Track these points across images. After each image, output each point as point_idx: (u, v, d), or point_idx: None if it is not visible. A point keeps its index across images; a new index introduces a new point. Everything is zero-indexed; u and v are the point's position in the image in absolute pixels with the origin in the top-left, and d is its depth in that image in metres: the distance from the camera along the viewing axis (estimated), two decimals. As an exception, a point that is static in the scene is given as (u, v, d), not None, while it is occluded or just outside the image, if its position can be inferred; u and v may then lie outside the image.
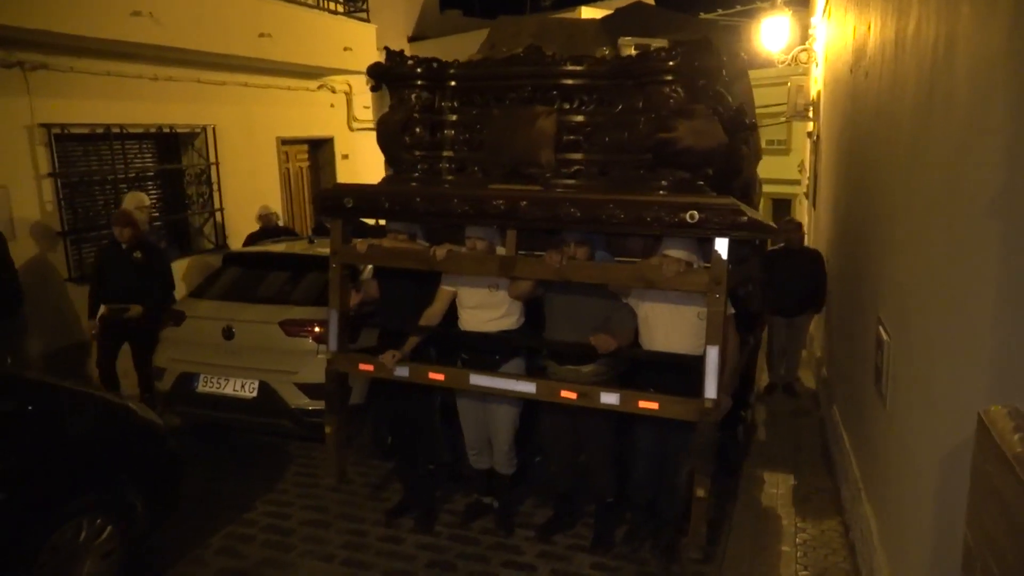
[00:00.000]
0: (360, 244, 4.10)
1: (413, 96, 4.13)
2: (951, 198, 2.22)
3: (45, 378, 3.60)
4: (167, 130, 7.92)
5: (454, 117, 4.19)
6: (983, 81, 1.91)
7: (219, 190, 8.53)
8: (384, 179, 4.38)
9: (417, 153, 4.17)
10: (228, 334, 5.26)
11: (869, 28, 4.26)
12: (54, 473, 3.25)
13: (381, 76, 4.21)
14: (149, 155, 8.01)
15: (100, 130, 7.06)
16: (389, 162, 4.36)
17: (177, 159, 8.38)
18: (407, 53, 4.23)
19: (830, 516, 4.44)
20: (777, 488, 4.96)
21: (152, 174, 8.03)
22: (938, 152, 2.42)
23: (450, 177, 4.19)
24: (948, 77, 2.30)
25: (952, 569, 1.77)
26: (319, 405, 4.65)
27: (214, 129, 8.40)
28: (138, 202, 6.64)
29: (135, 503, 3.58)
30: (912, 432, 2.64)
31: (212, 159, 8.43)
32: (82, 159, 7.09)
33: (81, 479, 3.37)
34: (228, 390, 5.25)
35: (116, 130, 7.22)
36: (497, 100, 4.06)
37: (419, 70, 4.09)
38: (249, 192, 8.79)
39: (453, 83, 4.16)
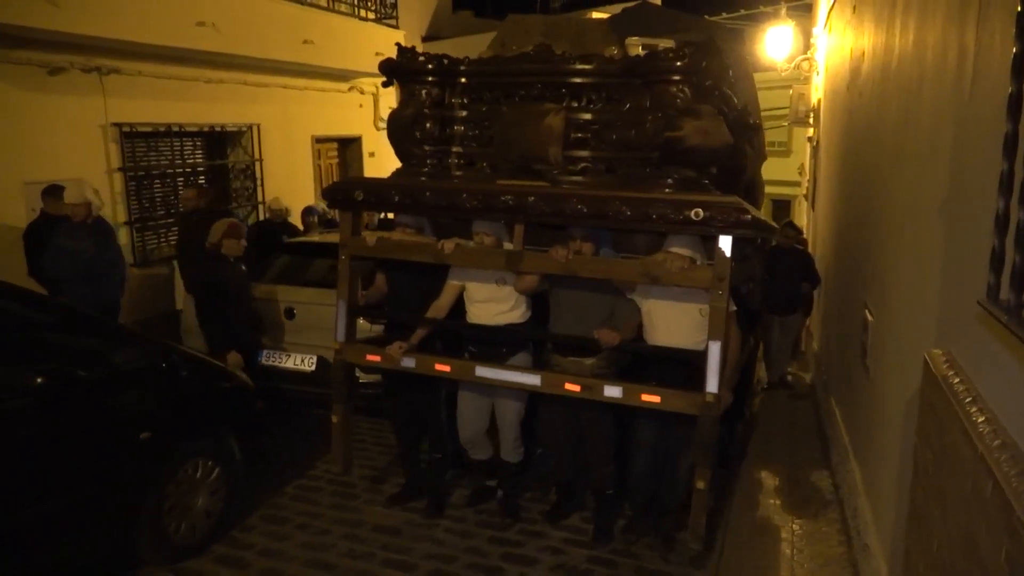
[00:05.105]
0: (369, 236, 4.11)
1: (423, 92, 4.15)
2: (917, 202, 2.88)
3: (166, 341, 4.23)
4: (218, 128, 8.59)
5: (464, 113, 4.20)
6: (938, 116, 2.56)
7: (262, 185, 9.20)
8: (394, 173, 4.39)
9: (427, 148, 4.18)
10: (290, 314, 5.91)
11: (863, 55, 4.91)
12: (180, 419, 3.91)
13: (392, 72, 4.22)
14: (200, 152, 8.69)
15: (162, 128, 7.75)
16: (399, 156, 4.39)
17: (223, 155, 9.05)
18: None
19: (822, 478, 5.08)
20: (774, 457, 5.57)
21: (203, 169, 8.71)
22: (910, 165, 3.08)
23: (459, 172, 4.20)
24: (918, 108, 2.95)
25: (909, 476, 2.43)
26: (371, 378, 5.05)
27: (258, 128, 9.07)
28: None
29: (234, 450, 4.24)
30: (888, 390, 3.30)
31: (256, 156, 9.11)
32: (144, 155, 7.76)
33: (198, 426, 4.03)
34: (289, 364, 5.91)
35: (175, 128, 7.89)
36: (506, 97, 4.07)
37: (430, 66, 4.11)
38: (287, 187, 9.46)
39: (463, 80, 4.17)
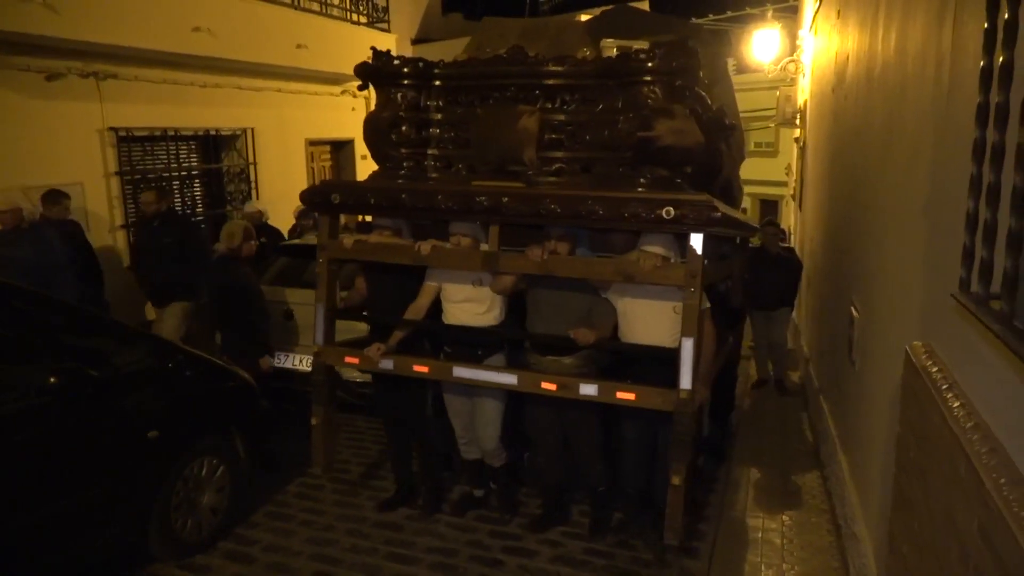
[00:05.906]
0: (347, 239, 4.15)
1: (399, 95, 4.15)
2: (901, 203, 3.01)
3: (173, 342, 4.32)
4: (213, 133, 8.67)
5: (439, 116, 4.21)
6: (920, 121, 2.69)
7: (256, 188, 9.27)
8: (371, 176, 4.38)
9: (403, 151, 4.19)
10: (289, 316, 6.01)
11: (848, 58, 5.05)
12: (187, 417, 4.00)
13: (367, 75, 4.21)
14: (195, 156, 8.76)
15: (157, 133, 7.82)
16: (376, 159, 4.38)
17: (218, 159, 9.12)
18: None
19: (811, 470, 5.24)
20: (765, 452, 5.72)
21: (197, 173, 8.78)
22: (894, 168, 3.22)
23: (435, 174, 4.21)
24: (901, 112, 3.09)
25: (894, 464, 2.55)
26: (367, 378, 5.12)
27: (253, 131, 9.15)
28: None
29: (239, 449, 4.33)
30: (873, 383, 3.44)
31: (251, 159, 9.18)
32: (140, 159, 7.83)
33: (204, 425, 4.12)
34: (288, 364, 6.01)
35: (171, 133, 7.97)
36: (482, 99, 4.09)
37: (405, 69, 4.11)
38: (281, 190, 9.49)
39: (438, 82, 4.18)
